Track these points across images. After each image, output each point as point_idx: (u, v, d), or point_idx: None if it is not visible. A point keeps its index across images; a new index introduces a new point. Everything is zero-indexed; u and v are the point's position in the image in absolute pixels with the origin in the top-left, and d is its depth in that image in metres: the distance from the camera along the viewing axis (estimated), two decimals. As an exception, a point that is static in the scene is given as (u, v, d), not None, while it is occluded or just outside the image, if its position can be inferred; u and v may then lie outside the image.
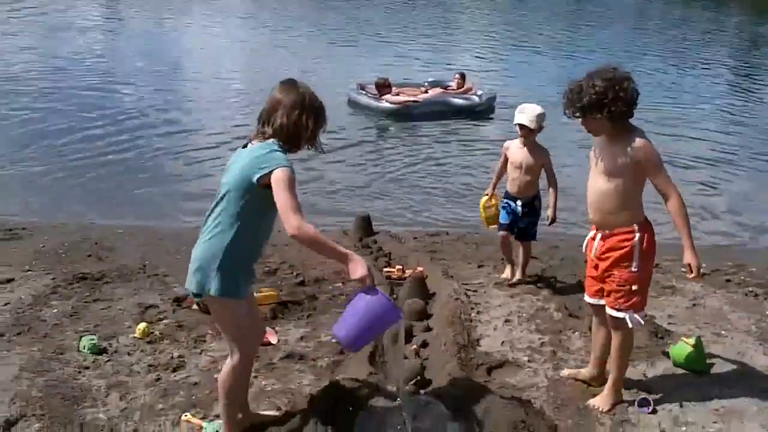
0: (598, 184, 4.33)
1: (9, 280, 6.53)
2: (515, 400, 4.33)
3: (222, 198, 3.64)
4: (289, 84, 3.75)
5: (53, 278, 6.59)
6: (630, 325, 4.36)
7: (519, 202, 6.54)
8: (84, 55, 20.69)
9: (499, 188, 6.88)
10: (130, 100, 16.43)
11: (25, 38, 22.39)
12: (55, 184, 10.88)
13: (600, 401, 4.54)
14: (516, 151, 6.47)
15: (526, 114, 6.22)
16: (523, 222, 6.56)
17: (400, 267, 6.91)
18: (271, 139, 3.63)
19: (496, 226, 6.78)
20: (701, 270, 4.20)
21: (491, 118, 16.61)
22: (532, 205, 6.57)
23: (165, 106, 15.92)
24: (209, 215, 3.70)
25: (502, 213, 6.66)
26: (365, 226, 8.46)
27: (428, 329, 5.65)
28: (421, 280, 6.42)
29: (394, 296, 6.30)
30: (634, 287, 4.32)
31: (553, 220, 6.43)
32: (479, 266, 7.35)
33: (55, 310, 5.88)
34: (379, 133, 15.15)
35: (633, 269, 4.29)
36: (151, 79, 18.39)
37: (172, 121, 14.68)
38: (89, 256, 7.52)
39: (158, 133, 13.94)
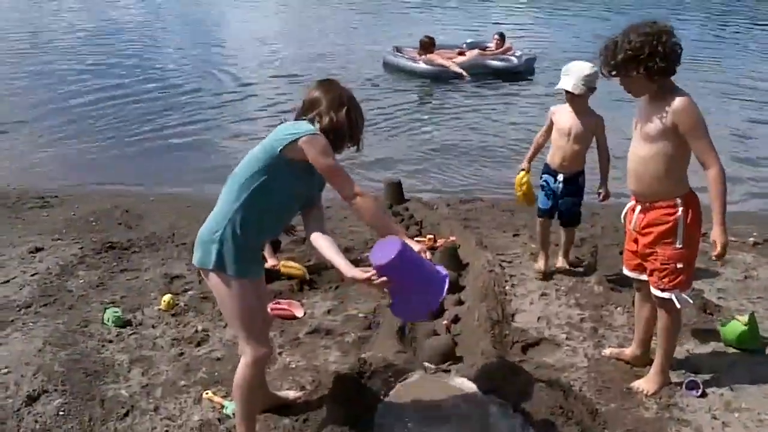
0: (638, 149, 4.04)
1: (38, 249, 6.47)
2: (553, 382, 4.12)
3: (239, 166, 3.41)
4: (329, 82, 3.51)
5: (81, 247, 6.49)
6: (678, 306, 4.09)
7: (560, 177, 5.75)
8: (122, 25, 20.58)
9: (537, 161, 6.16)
10: (164, 69, 16.29)
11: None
12: (88, 153, 10.78)
13: (645, 384, 4.29)
14: (564, 116, 5.63)
15: (570, 76, 5.38)
16: (564, 203, 5.79)
17: (432, 236, 6.65)
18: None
19: (532, 204, 6.11)
20: (726, 249, 3.89)
21: (530, 80, 16.15)
22: (576, 182, 5.76)
23: (200, 76, 15.72)
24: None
25: (540, 195, 5.92)
26: (396, 192, 8.20)
27: (460, 302, 5.42)
28: (454, 251, 6.19)
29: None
30: (679, 265, 4.04)
31: (606, 197, 5.72)
32: (514, 235, 7.09)
33: (81, 281, 5.79)
34: (412, 96, 14.81)
35: (677, 246, 4.01)
36: (188, 48, 18.28)
37: (209, 92, 14.44)
38: (119, 224, 7.44)
39: (193, 102, 13.73)
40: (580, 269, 6.08)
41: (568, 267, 6.02)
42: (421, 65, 15.70)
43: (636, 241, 4.20)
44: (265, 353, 3.55)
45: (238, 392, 3.53)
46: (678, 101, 3.79)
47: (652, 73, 3.80)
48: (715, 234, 3.85)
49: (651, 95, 3.94)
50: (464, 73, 15.74)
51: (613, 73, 3.93)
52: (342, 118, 3.36)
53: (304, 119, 3.39)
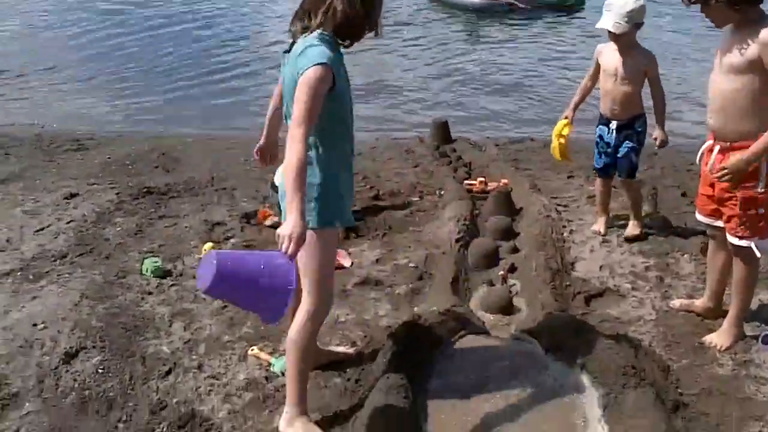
0: (720, 83, 3.66)
1: (73, 195, 6.27)
2: (621, 338, 3.82)
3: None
4: None
5: (118, 193, 6.29)
6: (758, 255, 3.75)
7: (613, 125, 5.15)
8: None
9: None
10: (202, 11, 15.96)
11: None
12: (125, 95, 10.63)
13: (718, 338, 3.98)
14: (610, 55, 5.07)
15: (612, 12, 4.81)
16: (621, 151, 5.16)
17: (483, 179, 6.33)
18: (316, 31, 3.01)
19: (567, 160, 5.66)
20: None
21: (581, 13, 15.46)
22: (632, 127, 5.13)
23: (239, 17, 15.44)
24: None
25: (595, 154, 5.37)
26: (443, 132, 7.86)
27: (515, 250, 5.14)
28: (506, 195, 5.87)
29: (477, 211, 5.80)
30: (761, 210, 3.69)
31: (664, 143, 5.07)
32: (569, 177, 6.73)
33: (119, 228, 5.59)
34: (459, 31, 14.32)
35: (759, 190, 3.66)
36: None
37: (249, 33, 14.13)
38: (156, 167, 7.24)
39: (233, 45, 13.45)
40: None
41: (639, 233, 5.27)
42: None
43: (712, 185, 3.85)
44: (330, 306, 3.36)
45: (294, 348, 3.26)
46: (765, 32, 3.40)
47: (733, 1, 3.42)
48: None
49: (735, 25, 3.55)
50: (518, 3, 15.16)
51: (693, 0, 3.53)
52: (357, 7, 3.00)
53: (313, 19, 3.02)
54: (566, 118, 5.38)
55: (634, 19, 4.79)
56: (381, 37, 3.20)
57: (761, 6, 3.50)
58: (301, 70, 2.89)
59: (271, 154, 3.61)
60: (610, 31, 4.87)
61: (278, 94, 3.38)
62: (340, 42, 3.06)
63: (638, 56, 4.98)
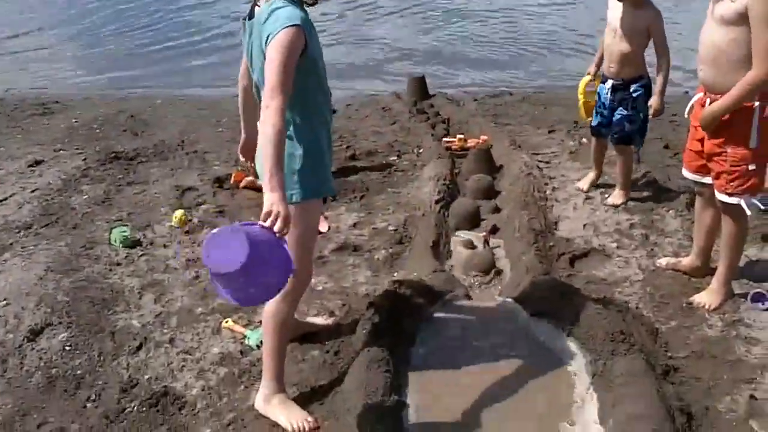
0: (712, 34, 3.49)
1: (38, 162, 6.09)
2: (608, 301, 3.70)
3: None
4: None
5: (84, 159, 6.10)
6: (747, 212, 3.62)
7: (608, 84, 4.85)
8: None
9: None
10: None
11: None
12: (91, 57, 10.37)
13: (707, 297, 3.86)
14: (614, 10, 4.73)
15: None
16: (617, 114, 4.87)
17: (462, 136, 6.16)
18: None
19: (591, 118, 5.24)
20: None
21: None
22: (626, 91, 4.79)
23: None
24: None
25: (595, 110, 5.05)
26: (420, 88, 7.73)
27: (497, 210, 4.99)
28: (487, 152, 5.71)
29: (457, 170, 5.64)
30: (751, 167, 3.56)
31: (657, 112, 4.73)
32: (550, 131, 6.59)
33: (85, 196, 5.40)
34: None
35: (751, 145, 3.52)
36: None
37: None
38: (124, 131, 7.04)
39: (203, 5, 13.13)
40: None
41: (622, 203, 5.00)
42: None
43: (702, 140, 3.70)
44: (309, 280, 3.22)
45: (271, 323, 3.10)
46: None
47: None
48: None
49: None
50: None
51: None
52: None
53: None
54: (589, 73, 5.11)
55: None
56: None
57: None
58: (270, 35, 2.65)
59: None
60: None
61: (245, 71, 3.13)
62: (305, 1, 2.83)
63: (641, 12, 4.62)
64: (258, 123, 2.68)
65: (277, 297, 2.97)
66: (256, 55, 2.82)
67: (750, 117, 3.47)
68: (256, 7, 2.85)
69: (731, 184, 3.60)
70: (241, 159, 3.47)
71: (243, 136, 3.38)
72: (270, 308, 3.08)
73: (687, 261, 4.15)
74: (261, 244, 2.43)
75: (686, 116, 3.88)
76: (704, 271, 4.08)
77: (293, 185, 2.84)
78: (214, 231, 2.51)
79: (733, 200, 3.63)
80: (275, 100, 2.58)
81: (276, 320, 3.09)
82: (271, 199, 2.51)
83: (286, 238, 2.59)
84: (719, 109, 3.48)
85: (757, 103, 3.44)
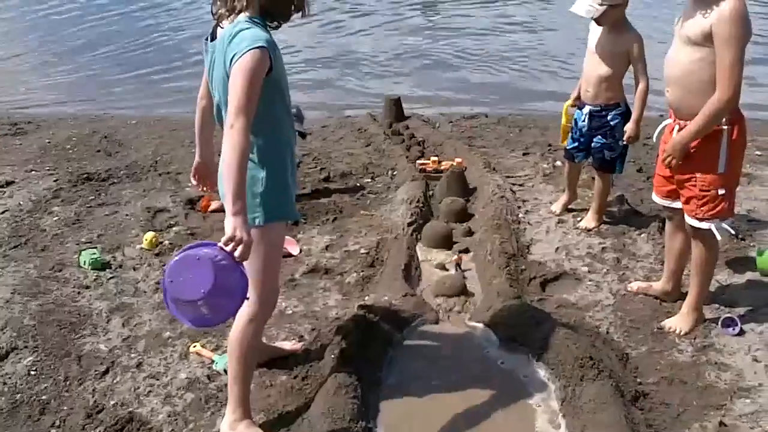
0: (678, 54, 3.51)
1: (9, 183, 6.02)
2: (578, 326, 3.70)
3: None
4: None
5: (56, 180, 6.04)
6: (717, 237, 3.64)
7: (585, 110, 4.76)
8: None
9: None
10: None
11: None
12: (65, 76, 10.32)
13: (677, 322, 3.86)
14: (594, 31, 4.66)
15: None
16: (595, 142, 4.80)
17: (436, 158, 6.17)
18: (243, 14, 2.75)
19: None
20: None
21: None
22: (604, 118, 4.71)
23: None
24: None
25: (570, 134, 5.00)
26: (396, 109, 7.71)
27: (469, 233, 4.98)
28: (460, 175, 5.70)
29: (431, 192, 5.64)
30: (720, 191, 3.56)
31: (633, 139, 4.62)
32: (524, 154, 6.61)
33: (56, 218, 5.34)
34: (410, 5, 14.13)
35: (720, 170, 3.53)
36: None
37: (190, 11, 13.77)
38: (98, 151, 6.98)
39: (175, 21, 13.21)
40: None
41: (595, 226, 4.96)
42: None
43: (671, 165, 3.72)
44: (274, 306, 3.18)
45: (236, 349, 3.05)
46: (722, 4, 3.25)
47: None
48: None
49: None
50: None
51: None
52: None
53: (239, 4, 2.74)
54: (572, 98, 5.01)
55: (608, 0, 4.40)
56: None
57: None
58: (235, 56, 2.62)
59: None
60: None
61: (205, 92, 3.10)
62: (268, 24, 2.81)
63: (621, 36, 4.53)
64: (223, 144, 2.63)
65: (243, 323, 2.96)
66: (218, 77, 2.80)
67: (718, 141, 3.48)
68: (219, 28, 2.84)
69: (701, 209, 3.61)
70: (193, 182, 3.40)
71: (197, 159, 3.32)
72: (235, 334, 3.04)
73: (658, 285, 4.15)
74: (223, 272, 2.42)
75: (654, 140, 3.90)
76: (675, 295, 4.08)
77: (256, 208, 2.81)
78: (177, 257, 2.49)
79: (704, 225, 3.63)
80: (239, 121, 2.56)
81: (242, 346, 3.04)
82: (233, 224, 2.49)
83: (250, 262, 2.57)
84: (688, 136, 3.49)
85: (724, 128, 3.46)
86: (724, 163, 3.51)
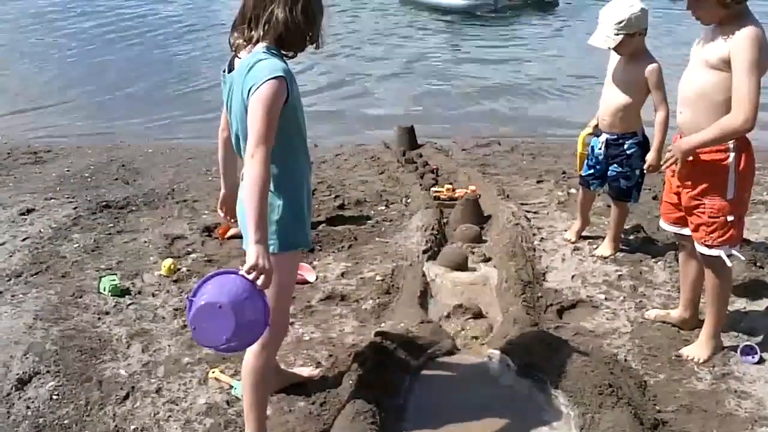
0: (695, 77, 3.54)
1: (29, 211, 6.06)
2: (596, 353, 3.70)
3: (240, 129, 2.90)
4: None
5: (75, 207, 6.09)
6: (728, 264, 3.66)
7: (602, 138, 4.79)
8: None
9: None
10: (163, 18, 15.81)
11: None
12: (84, 106, 10.43)
13: (695, 350, 3.86)
14: (612, 61, 4.69)
15: (602, 26, 4.45)
16: (611, 171, 4.83)
17: (450, 186, 6.21)
18: (261, 44, 2.82)
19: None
20: None
21: (560, 15, 15.47)
22: (620, 147, 4.72)
23: (197, 23, 15.28)
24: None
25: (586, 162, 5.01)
26: (409, 137, 7.76)
27: (486, 260, 5.00)
28: (475, 202, 5.74)
29: (445, 219, 5.67)
30: (729, 218, 3.58)
31: (654, 168, 4.55)
32: (538, 181, 6.64)
33: (75, 245, 5.38)
34: (426, 33, 14.26)
35: (728, 197, 3.55)
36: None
37: (206, 39, 13.95)
38: (116, 179, 7.05)
39: (192, 49, 13.38)
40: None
41: (611, 254, 4.98)
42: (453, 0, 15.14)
43: (678, 193, 3.74)
44: (286, 332, 3.25)
45: (251, 376, 3.08)
46: (743, 30, 3.28)
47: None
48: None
49: (720, 22, 3.42)
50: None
51: None
52: (298, 17, 2.80)
53: (255, 30, 2.81)
54: (589, 126, 5.00)
55: (630, 29, 4.38)
56: (321, 48, 2.98)
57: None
58: (254, 86, 2.68)
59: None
60: None
61: (225, 123, 3.13)
62: (285, 53, 2.87)
63: (638, 64, 4.51)
64: (242, 172, 2.69)
65: (255, 351, 2.98)
66: (236, 107, 2.85)
67: (726, 168, 3.51)
68: (236, 59, 2.89)
69: (710, 236, 3.62)
70: (220, 214, 3.45)
71: (222, 191, 3.37)
72: (248, 363, 3.07)
73: (675, 313, 4.16)
74: (245, 310, 2.51)
75: (662, 169, 3.92)
76: (693, 323, 4.09)
77: (272, 236, 2.83)
78: (199, 305, 2.51)
79: (714, 252, 3.65)
80: (259, 151, 2.62)
81: (255, 375, 3.07)
82: (256, 252, 2.54)
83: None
84: (695, 143, 3.47)
85: (732, 154, 3.48)
86: (732, 189, 3.53)
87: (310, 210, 3.11)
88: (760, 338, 3.97)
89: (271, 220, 2.84)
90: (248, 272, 2.53)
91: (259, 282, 2.53)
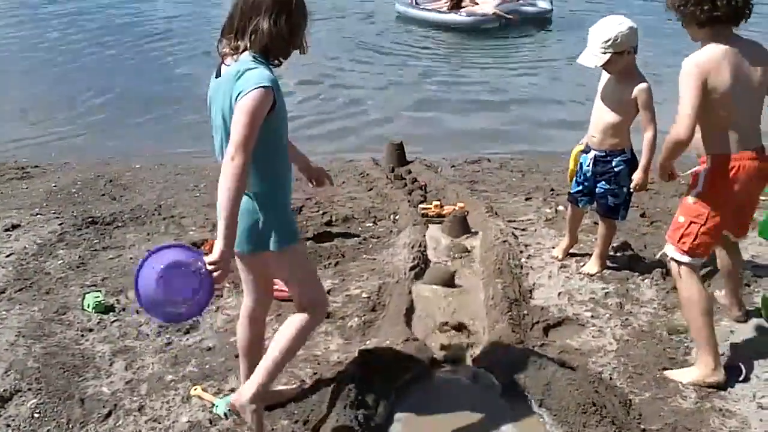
0: None
1: (15, 226, 6.01)
2: (581, 372, 3.68)
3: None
4: None
5: (61, 223, 6.05)
6: (673, 270, 3.79)
7: (591, 155, 4.76)
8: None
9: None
10: (146, 31, 15.78)
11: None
12: (70, 122, 10.40)
13: (681, 371, 3.86)
14: (604, 76, 4.66)
15: (590, 44, 4.44)
16: (599, 188, 4.79)
17: (438, 203, 6.20)
18: (246, 53, 2.92)
19: None
20: None
21: (557, 31, 15.54)
22: (608, 164, 4.71)
23: (185, 35, 15.26)
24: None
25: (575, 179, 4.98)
26: (398, 154, 7.74)
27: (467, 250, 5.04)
28: (462, 219, 5.73)
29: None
30: (681, 218, 3.71)
31: (640, 187, 4.60)
32: (527, 199, 6.63)
33: (60, 261, 5.34)
34: (419, 49, 14.30)
35: (689, 199, 3.69)
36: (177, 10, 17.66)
37: (194, 51, 13.91)
38: (103, 195, 6.99)
39: (180, 62, 13.33)
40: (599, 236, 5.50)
41: (597, 272, 4.97)
42: (457, 17, 15.18)
43: None
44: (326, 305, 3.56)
45: (286, 341, 3.23)
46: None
47: (689, 20, 3.52)
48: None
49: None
50: (513, 17, 15.22)
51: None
52: (282, 26, 2.90)
53: (242, 40, 2.94)
54: (582, 143, 4.93)
55: (618, 47, 4.35)
56: (306, 53, 3.11)
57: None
58: (241, 93, 2.79)
59: (318, 174, 3.64)
60: None
61: None
62: (270, 62, 2.97)
63: (628, 83, 4.48)
64: (221, 175, 2.80)
65: (301, 319, 3.25)
66: (220, 112, 2.97)
67: (699, 173, 3.69)
68: (224, 66, 2.98)
69: (670, 230, 3.82)
70: (311, 186, 3.73)
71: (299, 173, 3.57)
72: (290, 329, 3.25)
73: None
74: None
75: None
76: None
77: (285, 234, 3.08)
78: (172, 260, 2.90)
79: (665, 250, 3.83)
80: (239, 156, 2.74)
81: (292, 339, 3.24)
82: (222, 248, 2.79)
83: (295, 275, 3.18)
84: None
85: (706, 166, 3.64)
86: (695, 193, 3.66)
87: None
88: (746, 357, 3.95)
89: (281, 220, 3.08)
90: (211, 263, 2.78)
91: (214, 275, 2.81)
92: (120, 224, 6.09)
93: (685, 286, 3.76)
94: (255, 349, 3.51)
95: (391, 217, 6.14)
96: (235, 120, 2.79)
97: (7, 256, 5.40)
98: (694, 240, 3.65)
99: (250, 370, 3.36)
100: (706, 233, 3.65)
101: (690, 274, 3.72)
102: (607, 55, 4.39)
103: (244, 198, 2.88)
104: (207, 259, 2.80)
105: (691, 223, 3.64)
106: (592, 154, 4.77)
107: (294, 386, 3.77)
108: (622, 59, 4.43)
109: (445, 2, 15.70)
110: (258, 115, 2.79)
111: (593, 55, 4.44)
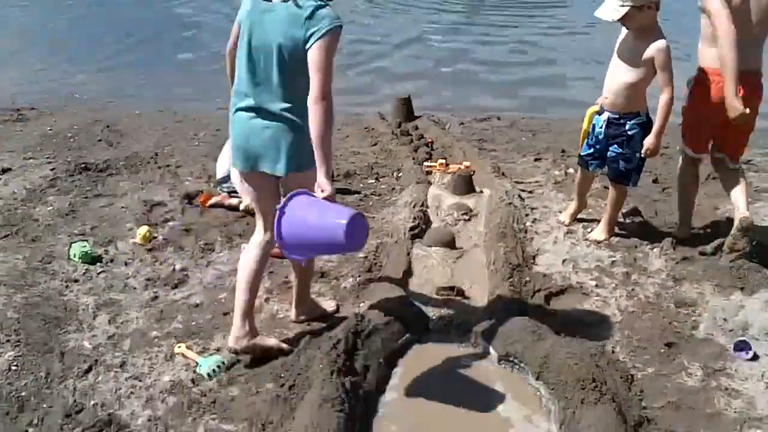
0: None
1: (5, 170, 5.89)
2: (582, 344, 3.47)
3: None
4: None
5: (53, 168, 5.91)
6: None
7: (604, 116, 4.54)
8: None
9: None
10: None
11: None
12: (71, 64, 10.22)
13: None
14: (622, 34, 4.43)
15: None
16: (611, 151, 4.57)
17: (444, 161, 5.99)
18: None
19: None
20: None
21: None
22: (622, 127, 4.46)
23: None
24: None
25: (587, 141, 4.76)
26: (405, 109, 7.53)
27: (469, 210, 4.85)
28: (468, 179, 5.52)
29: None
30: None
31: (652, 153, 4.40)
32: (536, 159, 6.42)
33: (50, 208, 5.20)
34: (436, 10, 14.00)
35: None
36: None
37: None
38: (99, 141, 6.85)
39: (185, 11, 13.04)
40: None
41: (605, 239, 4.76)
42: None
43: None
44: None
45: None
46: None
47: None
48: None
49: None
50: None
51: None
52: None
53: None
54: (598, 103, 4.68)
55: (638, 0, 4.11)
56: None
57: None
58: (317, 32, 2.94)
59: None
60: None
61: (234, 44, 3.32)
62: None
63: (645, 41, 4.23)
64: (314, 116, 2.97)
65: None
66: (281, 42, 3.03)
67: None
68: None
69: None
70: None
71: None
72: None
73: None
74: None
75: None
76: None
77: (310, 157, 3.08)
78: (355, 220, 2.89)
79: None
80: (326, 102, 2.95)
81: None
82: (329, 181, 3.02)
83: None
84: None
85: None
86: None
87: None
88: (754, 333, 3.77)
89: (308, 147, 3.07)
90: (326, 198, 2.98)
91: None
92: (114, 171, 5.93)
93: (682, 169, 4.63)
94: (255, 284, 3.50)
95: (395, 174, 5.95)
96: (317, 61, 2.94)
97: (-5, 201, 5.25)
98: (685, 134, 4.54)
99: (248, 305, 3.44)
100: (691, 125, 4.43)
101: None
102: (626, 8, 4.15)
103: (285, 123, 3.14)
104: (322, 195, 2.99)
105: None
106: (605, 115, 4.53)
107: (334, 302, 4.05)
108: (642, 14, 4.18)
109: None
110: (335, 52, 2.98)
111: (611, 9, 4.19)
